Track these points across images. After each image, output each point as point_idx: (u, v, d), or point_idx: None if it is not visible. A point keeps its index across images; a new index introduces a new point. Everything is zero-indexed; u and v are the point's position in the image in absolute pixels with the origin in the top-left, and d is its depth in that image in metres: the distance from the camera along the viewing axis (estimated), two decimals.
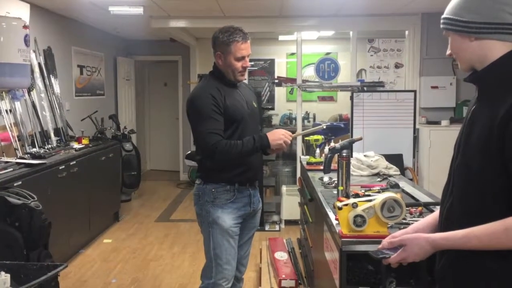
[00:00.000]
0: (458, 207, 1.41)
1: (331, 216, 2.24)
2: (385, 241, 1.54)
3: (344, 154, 2.50)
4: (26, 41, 2.82)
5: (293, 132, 2.62)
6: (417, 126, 5.53)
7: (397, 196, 1.89)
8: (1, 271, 1.40)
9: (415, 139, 5.50)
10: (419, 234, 1.48)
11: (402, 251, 1.47)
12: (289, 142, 2.51)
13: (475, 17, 1.36)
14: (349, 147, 2.51)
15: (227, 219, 2.57)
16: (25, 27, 2.84)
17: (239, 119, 2.54)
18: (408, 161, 5.43)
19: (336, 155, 2.61)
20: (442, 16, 1.45)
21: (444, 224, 1.47)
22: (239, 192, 2.59)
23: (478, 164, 1.34)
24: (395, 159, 5.04)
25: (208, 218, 2.60)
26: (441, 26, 1.46)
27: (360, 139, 2.64)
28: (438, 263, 1.50)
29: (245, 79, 2.73)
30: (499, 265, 1.31)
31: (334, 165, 2.70)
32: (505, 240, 1.26)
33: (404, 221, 2.09)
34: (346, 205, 1.93)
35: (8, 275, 1.31)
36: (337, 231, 2.01)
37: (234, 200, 2.58)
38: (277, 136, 2.47)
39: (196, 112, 2.51)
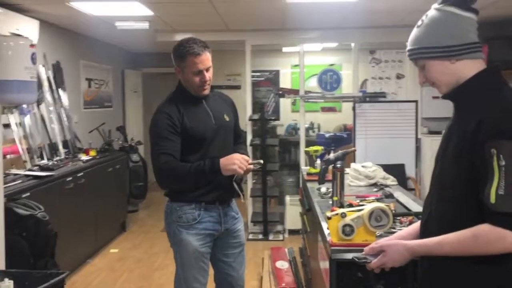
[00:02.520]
0: (436, 216, 1.50)
1: (324, 225, 2.32)
2: (367, 247, 1.64)
3: (338, 165, 2.58)
4: (33, 59, 2.95)
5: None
6: (419, 136, 5.59)
7: (384, 206, 1.97)
8: (5, 278, 1.50)
9: (417, 149, 5.56)
10: (398, 240, 1.57)
11: (382, 257, 1.56)
12: (244, 168, 2.30)
13: (452, 41, 1.46)
14: (343, 158, 2.59)
15: (193, 240, 2.44)
16: (32, 46, 2.98)
17: (200, 139, 2.43)
18: (410, 171, 5.49)
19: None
20: (412, 48, 1.53)
21: (422, 232, 1.56)
22: (206, 211, 2.47)
23: (453, 177, 1.43)
24: (397, 169, 5.10)
25: (175, 238, 2.51)
26: (413, 57, 1.53)
27: (354, 150, 2.71)
28: (419, 270, 1.59)
29: (207, 92, 2.49)
30: (472, 270, 1.39)
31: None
32: (474, 247, 1.35)
33: (393, 230, 2.16)
34: (335, 214, 2.01)
35: (11, 282, 1.40)
36: (328, 240, 2.08)
37: (200, 220, 2.45)
38: (231, 161, 2.30)
39: (152, 131, 2.44)
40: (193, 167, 2.32)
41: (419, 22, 1.53)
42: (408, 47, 1.55)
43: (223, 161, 2.30)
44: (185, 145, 2.40)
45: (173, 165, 2.33)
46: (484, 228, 1.33)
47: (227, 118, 2.58)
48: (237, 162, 2.28)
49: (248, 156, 2.52)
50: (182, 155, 2.39)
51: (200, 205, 2.45)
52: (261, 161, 2.46)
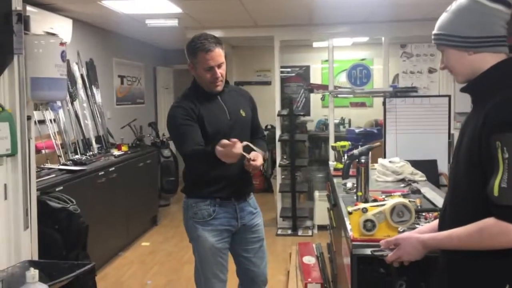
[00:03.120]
0: (450, 211, 1.49)
1: (347, 221, 2.31)
2: (383, 241, 1.64)
3: (362, 161, 2.56)
4: (63, 57, 3.05)
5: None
6: (452, 131, 5.46)
7: (406, 201, 1.95)
8: (31, 267, 1.56)
9: (450, 144, 5.42)
10: (412, 234, 1.58)
11: (397, 250, 1.57)
12: (235, 152, 2.12)
13: (473, 32, 1.43)
14: (367, 153, 2.56)
15: (209, 236, 2.45)
16: (61, 44, 3.07)
17: (214, 134, 2.38)
18: (443, 167, 5.36)
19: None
20: (436, 32, 1.52)
21: (439, 226, 1.55)
22: (221, 207, 2.47)
23: (464, 172, 1.41)
24: (429, 165, 4.99)
25: (192, 234, 2.52)
26: (435, 41, 1.52)
27: (379, 145, 2.68)
28: (439, 265, 1.57)
29: (219, 88, 2.46)
30: (481, 265, 1.37)
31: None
32: (479, 240, 1.33)
33: (416, 225, 2.13)
34: (356, 209, 2.00)
35: (37, 271, 1.46)
36: (349, 235, 2.07)
37: (216, 216, 2.45)
38: (219, 149, 2.14)
39: (171, 125, 2.44)
40: (209, 151, 2.21)
41: (449, 7, 1.50)
42: (434, 31, 1.53)
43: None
44: None
45: (198, 149, 2.30)
46: (489, 222, 1.31)
47: (243, 113, 2.55)
48: (219, 148, 2.11)
49: (265, 150, 2.47)
50: None
51: (215, 201, 2.46)
52: (247, 156, 2.28)
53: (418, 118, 5.42)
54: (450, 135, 5.40)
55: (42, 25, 3.96)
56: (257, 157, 2.31)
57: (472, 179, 1.38)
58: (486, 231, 1.31)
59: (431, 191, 3.01)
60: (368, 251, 1.99)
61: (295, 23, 5.79)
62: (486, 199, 1.32)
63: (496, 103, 1.32)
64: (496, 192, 1.27)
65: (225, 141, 2.12)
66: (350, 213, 1.99)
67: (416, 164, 3.57)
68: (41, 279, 1.59)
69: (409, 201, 2.14)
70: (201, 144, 2.34)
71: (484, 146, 1.32)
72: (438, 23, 1.51)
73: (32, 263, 1.75)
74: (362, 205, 2.00)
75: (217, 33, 6.30)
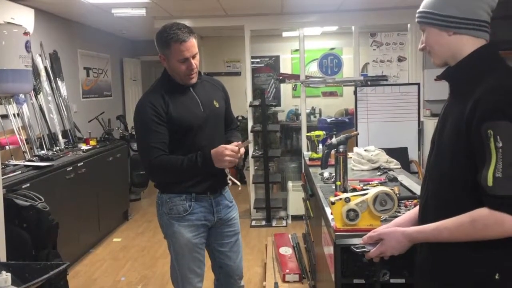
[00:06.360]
0: (433, 201, 1.46)
1: (327, 210, 2.28)
2: (365, 236, 1.60)
3: (340, 150, 2.54)
4: (27, 47, 2.90)
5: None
6: (421, 119, 5.54)
7: (389, 190, 1.93)
8: (3, 270, 1.47)
9: (420, 132, 5.50)
10: (396, 228, 1.54)
11: (381, 245, 1.53)
12: (236, 160, 2.27)
13: (455, 12, 1.40)
14: (345, 142, 2.54)
15: (185, 232, 2.39)
16: (25, 33, 2.92)
17: (187, 128, 2.33)
18: (413, 154, 5.45)
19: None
20: (419, 10, 1.48)
21: (421, 217, 1.52)
22: (197, 201, 2.41)
23: (449, 160, 1.38)
24: (400, 152, 5.06)
25: (166, 230, 2.45)
26: (418, 19, 1.49)
27: (357, 134, 2.67)
28: (418, 256, 1.55)
29: (194, 80, 2.37)
30: (471, 255, 1.35)
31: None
32: (472, 231, 1.30)
33: (398, 214, 2.12)
34: (339, 199, 1.97)
35: (9, 274, 1.37)
36: (332, 225, 2.05)
37: (192, 211, 2.39)
38: (221, 157, 2.24)
39: (137, 123, 2.35)
40: (185, 163, 2.26)
41: None
42: (418, 9, 1.49)
43: (214, 155, 2.25)
44: (172, 135, 2.32)
45: (164, 160, 2.27)
46: (482, 212, 1.28)
47: (217, 105, 2.47)
48: (228, 158, 2.23)
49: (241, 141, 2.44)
50: (170, 145, 2.32)
51: (190, 196, 2.39)
52: (250, 140, 2.37)
53: (389, 106, 5.48)
54: (420, 123, 5.48)
55: (3, 15, 3.77)
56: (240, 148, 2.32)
57: (459, 169, 1.35)
58: (479, 221, 1.28)
59: (407, 178, 3.03)
60: (351, 241, 1.97)
61: (265, 12, 5.73)
62: (475, 189, 1.30)
63: (486, 91, 1.29)
64: (490, 182, 1.24)
65: (231, 148, 2.25)
66: (333, 203, 1.96)
67: (387, 152, 3.59)
68: (13, 282, 1.50)
69: (390, 189, 2.12)
70: (165, 150, 2.29)
71: (474, 134, 1.28)
72: (424, 1, 1.48)
73: (3, 266, 1.65)
74: (344, 195, 1.97)
75: (186, 23, 6.15)
